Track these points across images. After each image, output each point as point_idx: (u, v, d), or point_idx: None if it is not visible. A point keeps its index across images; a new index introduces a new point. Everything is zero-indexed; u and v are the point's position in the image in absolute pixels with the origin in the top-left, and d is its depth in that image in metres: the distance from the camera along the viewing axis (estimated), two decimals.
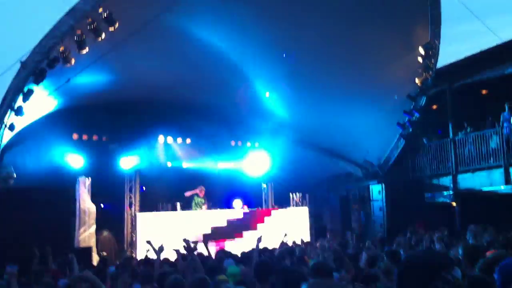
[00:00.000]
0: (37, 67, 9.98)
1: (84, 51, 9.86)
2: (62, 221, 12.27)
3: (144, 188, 15.79)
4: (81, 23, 9.68)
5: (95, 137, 15.50)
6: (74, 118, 14.46)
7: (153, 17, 9.93)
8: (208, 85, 14.40)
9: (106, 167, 14.98)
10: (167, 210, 15.27)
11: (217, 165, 17.04)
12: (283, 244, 10.55)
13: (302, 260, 7.59)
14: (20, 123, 11.52)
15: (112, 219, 15.08)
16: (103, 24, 9.60)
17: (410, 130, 14.70)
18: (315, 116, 15.28)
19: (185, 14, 11.10)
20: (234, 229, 15.27)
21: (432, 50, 12.83)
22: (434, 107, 15.97)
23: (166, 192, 15.95)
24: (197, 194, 15.70)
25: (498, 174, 13.62)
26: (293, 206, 17.71)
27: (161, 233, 13.47)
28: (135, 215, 14.84)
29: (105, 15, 9.49)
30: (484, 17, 12.92)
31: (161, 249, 7.09)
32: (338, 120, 15.08)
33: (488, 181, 14.02)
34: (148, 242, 8.13)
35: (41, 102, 12.08)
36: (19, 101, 10.49)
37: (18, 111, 10.56)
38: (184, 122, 15.90)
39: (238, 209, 16.24)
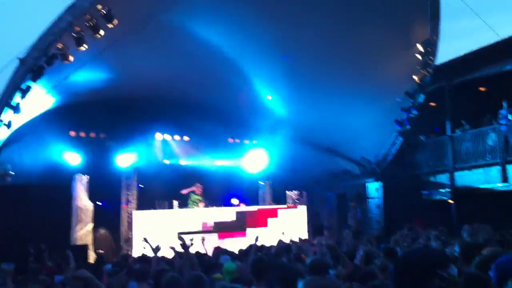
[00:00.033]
0: (35, 64, 9.95)
1: (83, 48, 9.84)
2: (59, 218, 12.28)
3: (141, 185, 15.78)
4: (79, 20, 9.65)
5: (92, 135, 15.51)
6: (71, 116, 14.45)
7: (152, 15, 9.92)
8: (206, 82, 14.39)
9: (103, 165, 14.99)
10: (164, 208, 15.27)
11: (215, 162, 17.04)
12: (280, 242, 10.57)
13: (298, 258, 7.59)
14: (18, 120, 11.50)
15: (109, 217, 15.07)
16: (102, 21, 9.58)
17: (408, 127, 14.68)
18: (313, 113, 15.28)
19: (183, 12, 11.09)
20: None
21: (431, 47, 12.81)
22: (432, 104, 15.96)
23: (163, 189, 15.95)
24: (193, 192, 15.71)
25: (495, 171, 13.62)
26: (290, 203, 17.74)
27: (158, 231, 13.49)
28: (132, 212, 14.84)
29: (104, 12, 9.47)
30: (483, 14, 12.88)
31: (158, 248, 7.09)
32: (336, 118, 15.08)
33: (485, 178, 14.03)
34: (145, 239, 8.13)
35: (39, 99, 12.05)
36: (17, 98, 10.47)
37: (16, 109, 10.53)
38: (182, 120, 15.91)
39: (238, 207, 16.30)
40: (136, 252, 12.91)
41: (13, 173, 12.73)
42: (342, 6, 11.53)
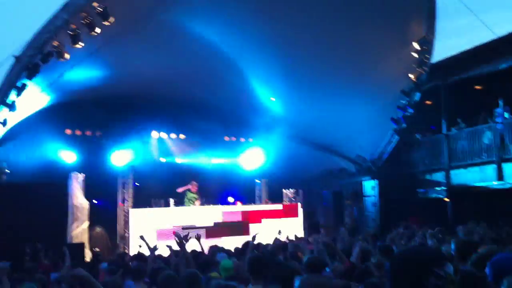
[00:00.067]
0: (30, 61, 9.92)
1: (78, 46, 9.81)
2: (55, 217, 12.24)
3: (137, 183, 15.75)
4: (75, 18, 9.62)
5: (88, 133, 15.46)
6: (67, 114, 14.41)
7: (148, 13, 9.90)
8: (202, 80, 14.37)
9: (99, 163, 14.95)
10: (160, 206, 15.25)
11: (211, 160, 17.03)
12: (276, 240, 10.58)
13: (295, 256, 7.59)
14: (13, 118, 11.46)
15: (105, 215, 15.03)
16: (98, 19, 9.55)
17: (404, 125, 14.70)
18: (310, 112, 15.29)
19: (179, 9, 11.07)
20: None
21: (427, 46, 12.83)
22: (428, 102, 15.98)
23: (160, 188, 15.90)
24: (189, 190, 15.69)
25: (490, 169, 13.67)
26: (286, 202, 17.75)
27: (154, 229, 13.48)
28: (128, 211, 14.82)
29: (100, 9, 9.44)
30: (479, 12, 12.90)
31: (154, 249, 7.10)
32: (332, 116, 15.09)
33: (480, 176, 14.07)
34: (141, 237, 8.14)
35: (34, 97, 12.02)
36: (12, 96, 10.44)
37: (11, 107, 10.50)
38: (178, 118, 15.88)
39: (235, 205, 16.31)
40: (132, 251, 12.89)
41: (8, 171, 12.69)
42: (339, 5, 11.53)
